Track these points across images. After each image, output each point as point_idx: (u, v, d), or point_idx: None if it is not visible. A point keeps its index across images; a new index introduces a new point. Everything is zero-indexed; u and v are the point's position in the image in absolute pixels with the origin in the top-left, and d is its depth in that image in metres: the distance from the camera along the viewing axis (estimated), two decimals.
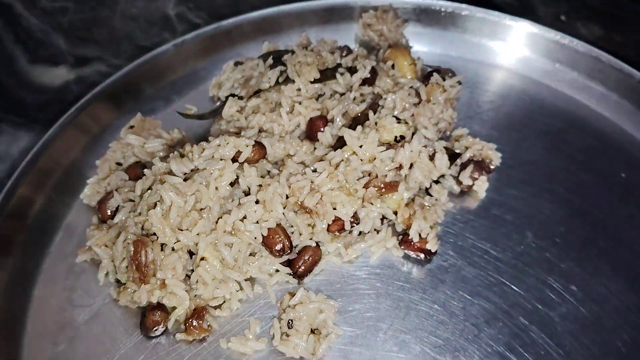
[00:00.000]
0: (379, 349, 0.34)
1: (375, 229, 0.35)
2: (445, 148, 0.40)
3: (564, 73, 0.45)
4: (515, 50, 0.48)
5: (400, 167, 0.35)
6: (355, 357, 0.33)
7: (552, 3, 0.57)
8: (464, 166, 0.38)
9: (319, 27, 0.48)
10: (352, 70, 0.41)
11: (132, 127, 0.40)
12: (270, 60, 0.40)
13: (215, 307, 0.34)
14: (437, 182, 0.40)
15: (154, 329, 0.31)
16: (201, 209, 0.33)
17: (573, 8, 0.57)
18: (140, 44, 0.50)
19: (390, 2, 0.47)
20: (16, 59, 0.48)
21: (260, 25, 0.47)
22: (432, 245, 0.34)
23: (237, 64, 0.43)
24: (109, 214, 0.34)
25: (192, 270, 0.32)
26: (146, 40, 0.50)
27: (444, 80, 0.40)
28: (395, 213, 0.36)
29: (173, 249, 0.32)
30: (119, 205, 0.36)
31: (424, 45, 0.48)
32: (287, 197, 0.35)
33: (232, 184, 0.33)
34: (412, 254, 0.35)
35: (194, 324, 0.30)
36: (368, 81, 0.40)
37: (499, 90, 0.45)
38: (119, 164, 0.38)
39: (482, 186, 0.39)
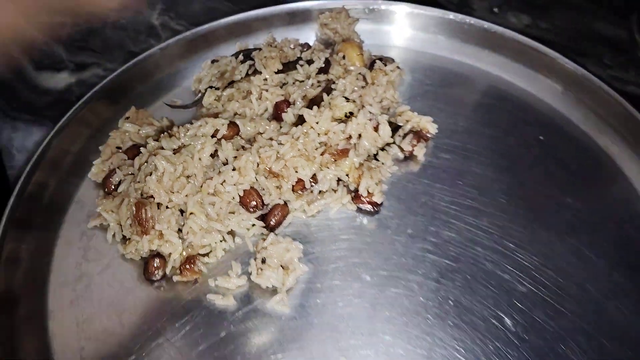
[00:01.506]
0: (336, 279, 0.40)
1: (332, 189, 0.42)
2: (390, 122, 0.46)
3: (492, 57, 0.54)
4: (450, 40, 0.55)
5: (350, 137, 0.43)
6: (317, 287, 0.40)
7: None
8: (404, 136, 0.45)
9: (283, 28, 0.55)
10: (310, 62, 0.48)
11: (127, 117, 0.46)
12: (241, 57, 0.47)
13: (204, 255, 0.40)
14: (383, 149, 0.46)
15: (155, 273, 0.38)
16: (188, 176, 0.40)
17: (504, 1, 0.63)
18: (130, 50, 0.55)
19: (342, 4, 0.54)
20: (24, 67, 0.53)
21: (232, 29, 0.53)
22: (378, 198, 0.41)
23: (213, 61, 0.49)
24: (113, 187, 0.41)
25: (183, 225, 0.38)
26: (135, 47, 0.56)
27: (385, 65, 0.47)
28: (348, 175, 0.42)
29: (167, 207, 0.39)
30: (120, 180, 0.42)
31: (372, 38, 0.54)
32: (258, 165, 0.41)
33: (212, 156, 0.40)
34: (362, 206, 0.43)
35: (187, 267, 0.37)
36: (323, 70, 0.47)
37: (437, 74, 0.53)
38: (118, 148, 0.44)
39: (420, 151, 0.46)
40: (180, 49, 0.52)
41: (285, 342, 0.38)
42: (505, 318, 0.38)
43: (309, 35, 0.56)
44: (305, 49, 0.51)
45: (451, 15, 0.55)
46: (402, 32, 0.57)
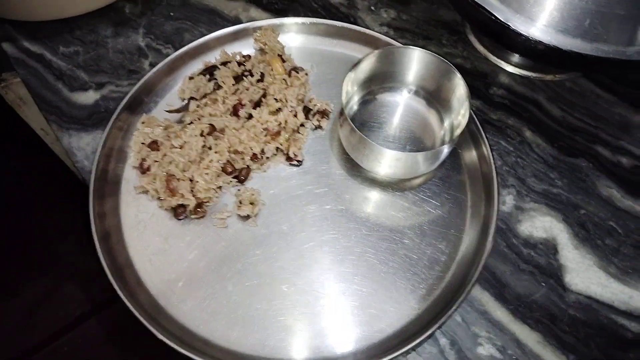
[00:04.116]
0: (283, 207, 0.61)
1: (274, 154, 0.63)
2: (305, 107, 0.64)
3: (366, 49, 0.70)
4: (339, 40, 0.72)
5: (280, 123, 0.62)
6: (272, 212, 0.61)
7: None
8: (314, 115, 0.65)
9: (232, 43, 0.73)
10: (252, 74, 0.68)
11: (143, 122, 0.63)
12: (207, 76, 0.68)
13: (206, 202, 0.59)
14: (303, 125, 0.65)
15: (181, 215, 0.59)
16: (191, 161, 0.59)
17: (378, 0, 0.81)
18: (129, 69, 0.71)
19: (269, 23, 0.72)
20: (60, 90, 0.69)
21: (197, 49, 0.70)
22: (300, 157, 0.62)
23: (190, 78, 0.68)
24: (146, 168, 0.61)
25: (193, 188, 0.60)
26: (132, 65, 0.72)
27: (298, 73, 0.68)
28: (282, 145, 0.62)
29: (182, 179, 0.58)
30: (150, 164, 0.60)
31: (294, 49, 0.71)
32: (229, 148, 0.61)
33: (202, 147, 0.60)
34: (292, 163, 0.63)
35: (198, 210, 0.58)
36: (260, 80, 0.65)
37: (334, 65, 0.71)
38: (143, 143, 0.63)
39: (324, 123, 0.65)
40: (166, 68, 0.68)
41: (255, 244, 0.59)
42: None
43: (249, 46, 0.72)
44: (247, 59, 0.71)
45: (337, 23, 0.71)
46: (304, 38, 0.73)
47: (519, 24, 0.57)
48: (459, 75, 0.57)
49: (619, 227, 0.66)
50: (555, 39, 0.57)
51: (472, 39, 0.73)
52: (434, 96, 0.64)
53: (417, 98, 0.66)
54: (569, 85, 0.72)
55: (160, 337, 0.51)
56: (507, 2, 0.58)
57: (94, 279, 1.17)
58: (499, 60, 0.71)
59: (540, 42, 0.57)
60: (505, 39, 0.55)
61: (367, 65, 0.60)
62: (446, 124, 0.64)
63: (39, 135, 1.03)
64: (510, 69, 0.71)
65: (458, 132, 0.56)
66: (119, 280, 0.54)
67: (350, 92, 0.62)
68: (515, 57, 0.69)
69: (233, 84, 0.65)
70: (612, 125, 0.69)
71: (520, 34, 0.57)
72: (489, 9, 0.59)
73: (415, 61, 0.61)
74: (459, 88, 0.58)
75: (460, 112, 0.58)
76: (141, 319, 0.52)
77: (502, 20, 0.58)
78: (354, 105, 0.65)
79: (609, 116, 0.70)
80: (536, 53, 0.59)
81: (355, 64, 0.58)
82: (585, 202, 0.67)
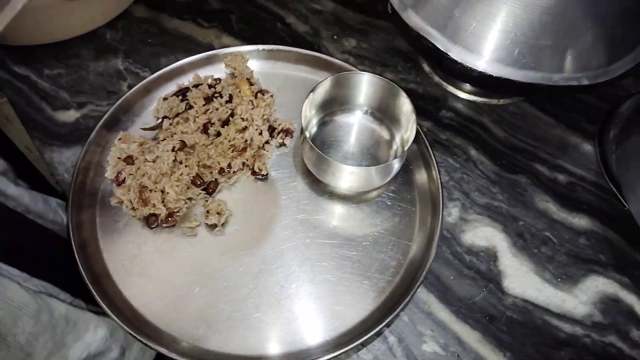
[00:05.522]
0: (247, 217, 0.65)
1: (240, 169, 0.66)
2: (270, 126, 0.69)
3: (325, 73, 0.75)
4: (300, 65, 0.77)
5: (247, 141, 0.66)
6: (237, 222, 0.65)
7: (330, 28, 0.88)
8: (278, 133, 0.69)
9: (204, 67, 0.78)
10: (221, 96, 0.70)
11: (120, 139, 0.67)
12: (180, 97, 0.75)
13: (177, 212, 0.62)
14: (268, 143, 0.70)
15: (153, 224, 0.63)
16: (163, 173, 0.62)
17: (341, 30, 0.88)
18: (109, 90, 0.76)
19: (239, 50, 0.79)
20: (44, 109, 0.72)
21: (172, 73, 0.75)
22: (264, 171, 0.66)
23: (165, 99, 0.71)
24: (122, 181, 0.64)
25: (164, 199, 0.69)
26: (111, 87, 0.77)
27: (264, 95, 0.71)
28: (247, 161, 0.66)
29: (154, 191, 0.62)
30: (125, 177, 0.64)
31: (262, 73, 0.77)
32: (198, 162, 0.65)
33: (174, 161, 0.64)
34: (257, 177, 0.67)
35: (169, 219, 0.62)
36: (228, 101, 0.69)
37: (296, 88, 0.75)
38: (119, 157, 0.65)
39: (288, 141, 0.69)
40: (143, 90, 0.72)
41: (222, 251, 0.62)
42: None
43: (220, 70, 0.76)
44: (218, 82, 0.74)
45: (301, 50, 0.76)
46: (271, 64, 0.78)
47: (456, 54, 0.65)
48: (404, 95, 0.64)
49: (554, 237, 0.72)
50: (489, 67, 0.65)
51: (425, 66, 0.80)
52: (385, 115, 0.70)
53: (370, 118, 0.72)
54: (512, 109, 0.79)
55: (134, 334, 0.56)
56: (447, 34, 0.66)
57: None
58: (448, 86, 0.78)
59: (474, 70, 0.64)
60: (445, 66, 0.62)
61: (324, 89, 0.66)
62: (397, 139, 0.70)
63: (23, 153, 1.08)
64: (459, 93, 0.77)
65: (407, 146, 0.62)
66: (95, 285, 0.58)
67: (309, 114, 0.68)
68: (463, 83, 0.76)
69: (203, 105, 0.70)
70: (551, 145, 0.75)
71: (457, 62, 0.64)
72: (431, 40, 0.66)
73: (366, 84, 0.67)
74: (405, 106, 0.64)
75: (408, 128, 0.65)
76: (115, 319, 0.56)
77: (443, 50, 0.65)
78: (313, 126, 0.71)
79: (548, 137, 0.76)
80: (472, 79, 0.66)
81: (313, 89, 0.65)
82: (524, 214, 0.73)
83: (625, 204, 0.66)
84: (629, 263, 0.65)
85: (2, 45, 0.76)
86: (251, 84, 0.73)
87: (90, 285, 0.57)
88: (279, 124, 0.71)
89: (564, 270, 0.66)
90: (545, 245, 0.69)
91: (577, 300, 0.62)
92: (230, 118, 0.69)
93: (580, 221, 0.68)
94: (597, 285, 0.63)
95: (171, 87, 0.75)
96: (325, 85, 0.64)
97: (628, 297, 0.63)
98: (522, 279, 0.64)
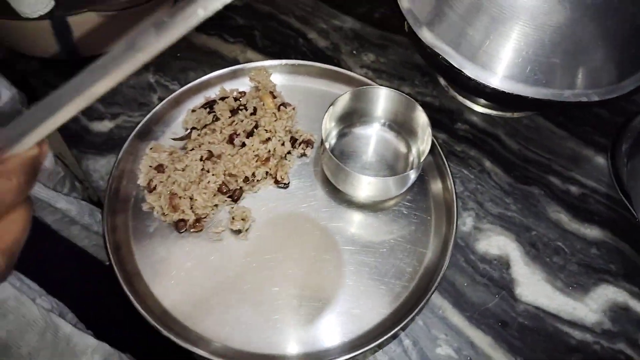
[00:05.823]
0: (270, 224, 0.67)
1: (264, 178, 0.69)
2: (291, 137, 0.71)
3: (346, 87, 0.78)
4: (329, 80, 0.79)
5: (270, 151, 0.69)
6: (260, 228, 0.68)
7: (350, 43, 0.91)
8: (300, 144, 0.71)
9: (230, 81, 0.81)
10: (246, 108, 0.73)
11: (151, 148, 0.70)
12: (208, 109, 0.79)
13: (204, 218, 0.66)
14: (290, 153, 0.73)
15: (182, 228, 0.66)
16: (191, 181, 0.65)
17: (360, 45, 0.91)
18: (140, 102, 0.79)
19: (263, 64, 0.82)
20: (80, 119, 0.76)
21: (199, 86, 0.79)
22: (286, 180, 0.69)
23: (193, 110, 0.74)
24: (153, 188, 0.68)
25: (192, 205, 0.73)
26: (143, 99, 0.80)
27: (286, 108, 0.74)
28: (270, 169, 0.69)
29: (184, 197, 0.66)
30: (156, 184, 0.67)
31: (284, 86, 0.79)
32: (224, 171, 0.68)
33: (201, 170, 0.66)
34: (279, 186, 0.69)
35: (196, 224, 0.67)
36: (253, 113, 0.72)
37: (316, 101, 0.77)
38: (150, 166, 0.69)
39: (309, 152, 0.71)
40: (172, 102, 0.75)
41: (246, 255, 0.64)
42: None
43: (245, 84, 0.79)
44: (242, 95, 0.76)
45: (322, 65, 0.78)
46: (293, 78, 0.81)
47: (470, 71, 0.68)
48: (420, 108, 0.67)
49: (566, 247, 0.75)
50: (502, 84, 0.68)
51: (441, 80, 0.83)
52: (402, 127, 0.72)
53: (388, 130, 0.75)
54: (526, 122, 0.81)
55: (166, 333, 0.59)
56: (462, 52, 0.69)
57: None
58: (463, 99, 0.81)
59: (487, 86, 0.67)
60: (460, 82, 0.65)
61: (343, 102, 0.69)
62: (413, 150, 0.73)
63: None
64: (474, 106, 0.80)
65: (423, 157, 0.66)
66: (127, 284, 0.62)
67: (329, 126, 0.71)
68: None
69: (229, 117, 0.72)
70: (564, 158, 0.77)
71: (471, 79, 0.67)
72: (446, 57, 0.69)
73: (383, 98, 0.70)
74: (421, 118, 0.67)
75: (424, 140, 0.68)
76: (147, 317, 0.59)
77: (457, 67, 0.69)
78: (333, 137, 0.74)
79: (561, 150, 0.79)
80: (486, 94, 0.69)
81: (333, 102, 0.68)
82: (536, 224, 0.76)
83: (636, 215, 0.68)
84: (639, 273, 0.67)
85: (41, 58, 0.78)
86: (274, 97, 0.75)
87: (123, 285, 0.60)
88: (300, 135, 0.73)
89: (575, 279, 0.68)
90: (557, 255, 0.71)
91: (588, 308, 0.64)
92: (255, 129, 0.71)
93: (592, 232, 0.70)
94: (608, 294, 0.66)
95: (199, 100, 0.77)
96: (344, 98, 0.68)
97: (638, 306, 0.65)
98: (534, 287, 0.66)
